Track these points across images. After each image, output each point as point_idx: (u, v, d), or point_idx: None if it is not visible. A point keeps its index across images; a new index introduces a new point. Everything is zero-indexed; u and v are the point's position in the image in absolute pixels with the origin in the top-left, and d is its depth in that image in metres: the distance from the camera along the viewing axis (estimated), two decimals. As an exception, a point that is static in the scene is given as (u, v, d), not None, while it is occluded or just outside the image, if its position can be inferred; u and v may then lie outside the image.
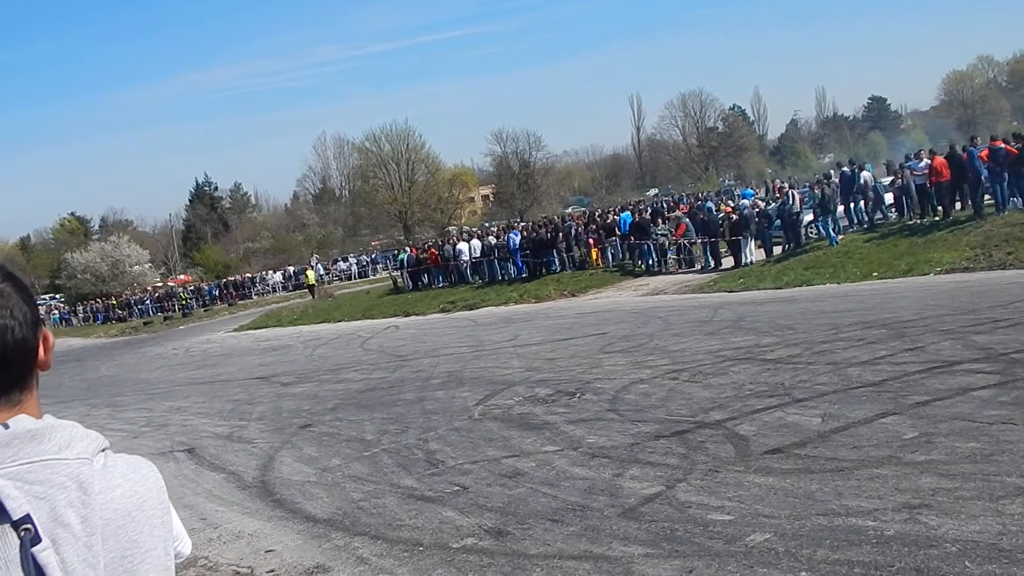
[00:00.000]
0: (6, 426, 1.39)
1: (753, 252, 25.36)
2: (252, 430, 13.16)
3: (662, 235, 28.29)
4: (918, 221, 23.32)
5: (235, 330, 38.50)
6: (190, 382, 21.70)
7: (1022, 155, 21.24)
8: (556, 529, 6.62)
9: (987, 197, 22.39)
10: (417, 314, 31.09)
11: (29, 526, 1.31)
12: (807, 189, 28.33)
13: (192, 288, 63.72)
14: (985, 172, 21.82)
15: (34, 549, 1.31)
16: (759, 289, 21.76)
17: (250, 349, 28.92)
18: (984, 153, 21.90)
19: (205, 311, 55.16)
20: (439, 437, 10.52)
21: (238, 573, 6.88)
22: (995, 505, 5.76)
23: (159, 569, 1.45)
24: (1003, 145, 21.85)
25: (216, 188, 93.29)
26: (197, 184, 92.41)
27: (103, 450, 1.46)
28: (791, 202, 25.34)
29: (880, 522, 5.77)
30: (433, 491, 8.21)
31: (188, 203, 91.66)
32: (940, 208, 22.96)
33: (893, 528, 5.64)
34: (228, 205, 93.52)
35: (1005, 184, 21.54)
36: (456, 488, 8.17)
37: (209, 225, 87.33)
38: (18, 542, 1.31)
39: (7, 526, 1.31)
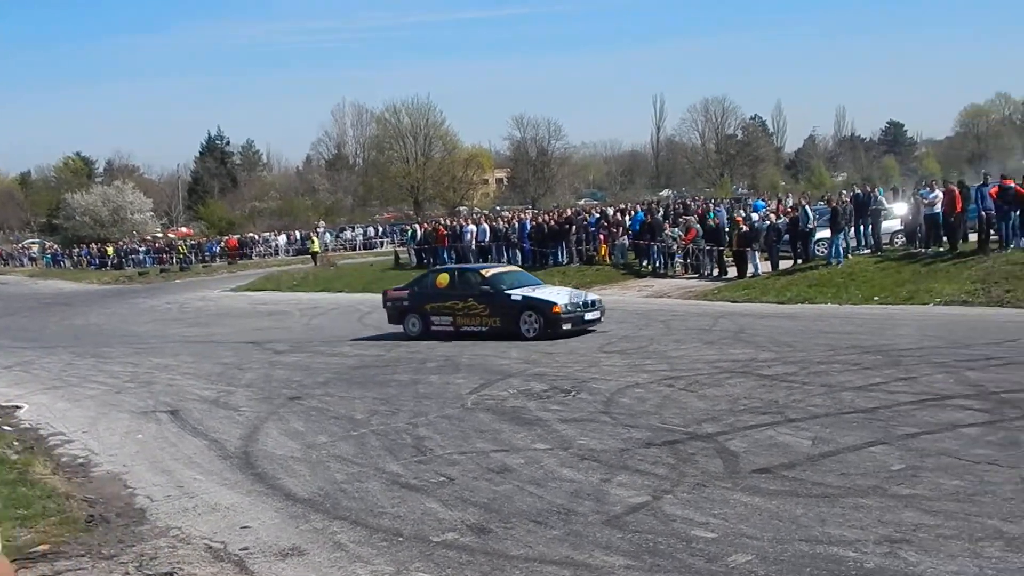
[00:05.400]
0: None
1: (759, 264, 25.31)
2: (239, 397, 13.19)
3: (672, 238, 28.23)
4: (923, 250, 23.28)
5: (232, 290, 38.51)
6: (180, 340, 21.76)
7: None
8: (539, 531, 6.63)
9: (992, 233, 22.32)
10: (418, 293, 30.94)
11: None
12: (823, 205, 28.25)
13: (193, 242, 63.66)
14: (993, 209, 21.79)
15: None
16: (762, 302, 21.76)
17: (245, 311, 28.98)
18: (994, 190, 21.87)
19: (204, 267, 55.12)
20: (429, 423, 10.54)
21: (210, 548, 6.85)
22: (974, 546, 5.78)
23: None
24: (1013, 184, 21.80)
25: (228, 143, 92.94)
26: (209, 137, 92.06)
27: None
28: (804, 217, 25.28)
29: (861, 554, 5.78)
30: (418, 479, 8.22)
31: (198, 155, 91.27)
32: (947, 239, 22.91)
33: (873, 561, 5.66)
34: (238, 162, 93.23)
35: (1012, 223, 21.51)
36: (442, 479, 8.19)
37: (217, 180, 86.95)
38: None
39: None
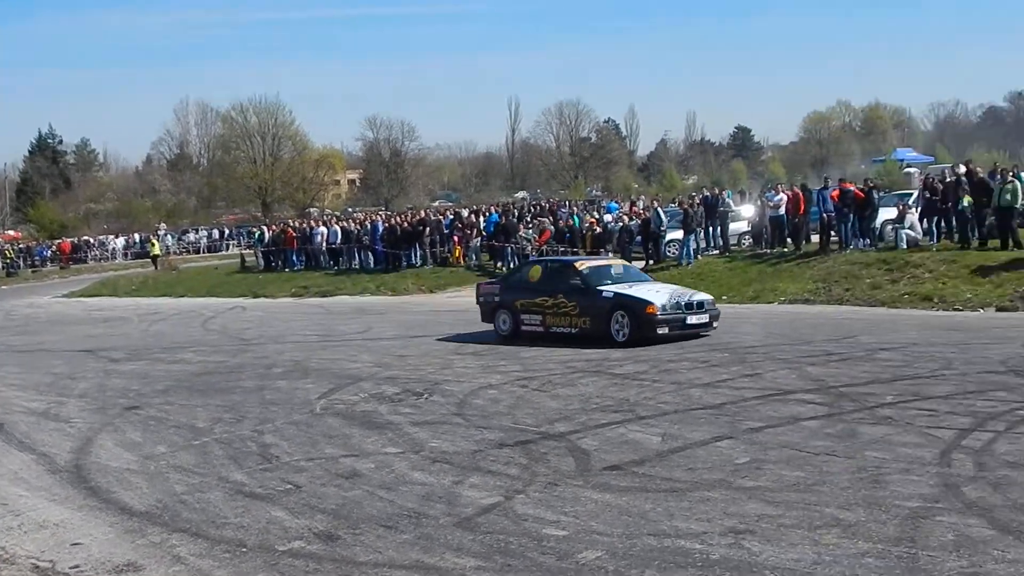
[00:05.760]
0: None
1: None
2: (71, 408, 12.55)
3: (526, 239, 28.57)
4: (768, 250, 24.40)
5: (65, 296, 36.84)
6: (5, 349, 20.58)
7: (868, 198, 22.63)
8: (389, 536, 6.57)
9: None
10: (267, 296, 30.55)
11: None
12: (674, 207, 29.25)
13: (21, 246, 60.32)
14: (833, 211, 23.10)
15: None
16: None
17: (79, 318, 27.65)
18: (835, 193, 23.19)
19: (33, 272, 52.36)
20: (276, 430, 10.31)
21: (37, 567, 6.48)
22: (813, 534, 6.06)
23: None
24: (852, 188, 23.18)
25: (61, 142, 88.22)
26: (40, 135, 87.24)
27: None
28: (657, 219, 26.07)
29: (707, 545, 5.97)
30: (264, 488, 8.02)
31: (27, 155, 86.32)
32: (791, 240, 24.10)
33: (718, 552, 5.85)
34: (72, 161, 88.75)
35: (850, 224, 22.83)
36: (288, 486, 8.01)
37: (48, 180, 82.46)
38: None
39: None
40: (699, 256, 25.28)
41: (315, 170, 77.45)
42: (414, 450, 9.07)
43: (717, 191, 27.78)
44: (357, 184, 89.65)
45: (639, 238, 26.55)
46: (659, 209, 27.19)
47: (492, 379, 12.73)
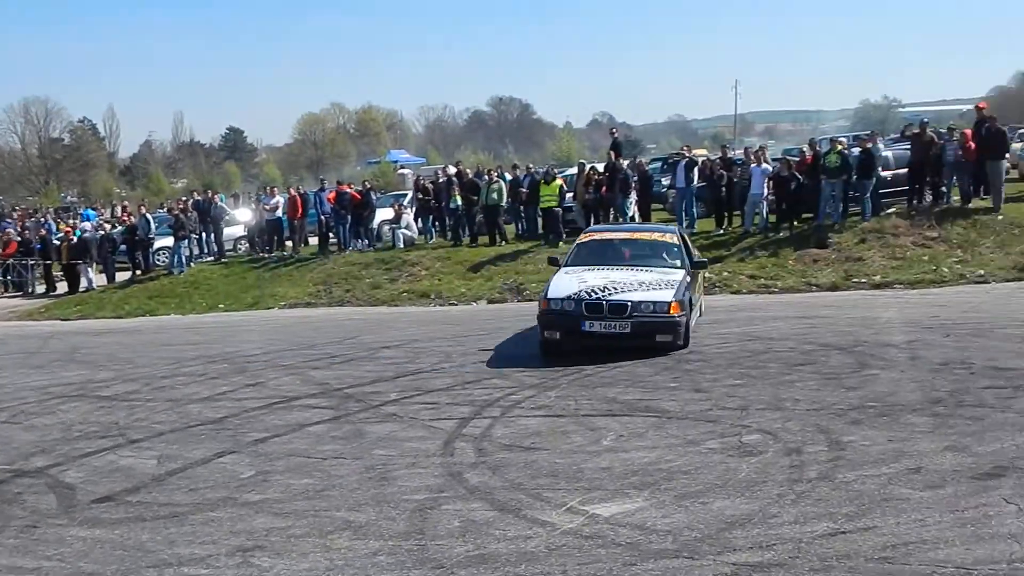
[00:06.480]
0: None
1: (94, 278, 24.39)
2: None
3: (-17, 252, 25.74)
4: (266, 255, 24.54)
5: None
6: None
7: (366, 200, 23.77)
8: None
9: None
10: None
11: None
12: (163, 212, 28.22)
13: None
14: (332, 213, 23.99)
15: None
16: (98, 318, 21.06)
17: None
18: (332, 195, 24.05)
19: None
20: None
21: None
22: (324, 540, 6.12)
23: None
24: (349, 189, 24.22)
25: None
26: None
27: None
28: (144, 225, 24.97)
29: (213, 569, 5.76)
30: None
31: None
32: (290, 243, 24.55)
33: (227, 574, 5.67)
34: None
35: (348, 226, 23.81)
36: None
37: None
38: None
39: None
40: (192, 264, 24.64)
41: None
42: None
43: (210, 194, 27.26)
44: None
45: (124, 247, 25.22)
46: (147, 215, 26.06)
47: (-54, 416, 11.16)
